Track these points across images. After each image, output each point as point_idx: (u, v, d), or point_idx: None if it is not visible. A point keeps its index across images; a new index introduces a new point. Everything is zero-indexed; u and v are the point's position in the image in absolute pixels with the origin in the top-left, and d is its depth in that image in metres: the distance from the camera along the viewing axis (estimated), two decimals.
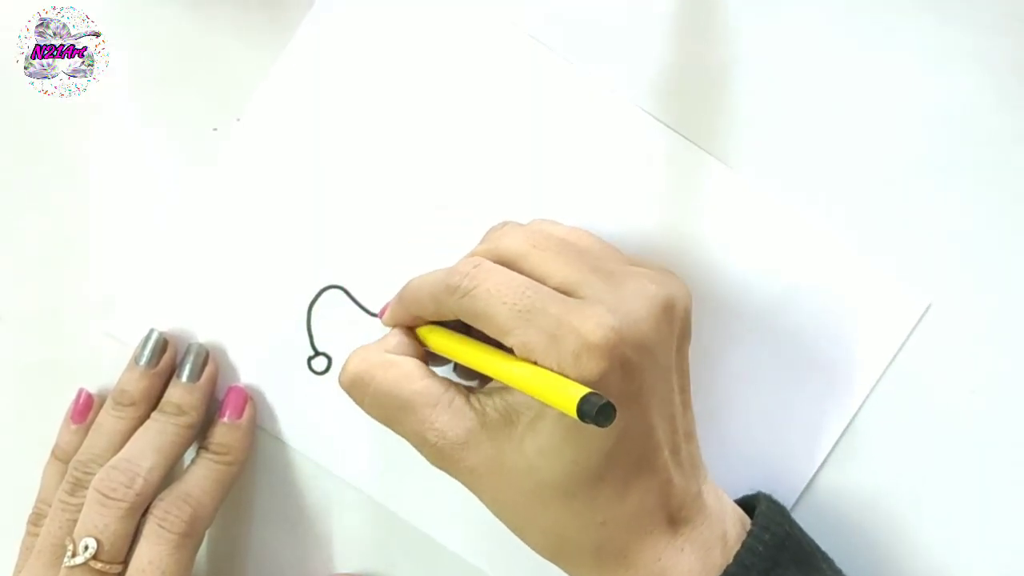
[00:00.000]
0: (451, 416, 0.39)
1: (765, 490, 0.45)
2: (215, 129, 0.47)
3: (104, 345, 0.48)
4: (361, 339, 0.46)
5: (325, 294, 0.47)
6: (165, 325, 0.48)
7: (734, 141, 0.47)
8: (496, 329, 0.38)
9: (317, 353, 0.48)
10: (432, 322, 0.42)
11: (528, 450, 0.38)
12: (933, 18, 0.46)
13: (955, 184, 0.46)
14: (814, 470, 0.47)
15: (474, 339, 0.40)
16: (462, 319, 0.40)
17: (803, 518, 0.45)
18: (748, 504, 0.43)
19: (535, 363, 0.37)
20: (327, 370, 0.48)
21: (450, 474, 0.40)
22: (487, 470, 0.39)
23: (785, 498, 0.47)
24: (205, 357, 0.47)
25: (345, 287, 0.47)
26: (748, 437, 0.47)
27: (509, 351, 0.38)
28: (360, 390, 0.40)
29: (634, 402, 0.38)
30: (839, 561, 0.43)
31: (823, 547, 0.43)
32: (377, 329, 0.46)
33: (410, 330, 0.42)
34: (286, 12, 0.47)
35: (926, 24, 0.46)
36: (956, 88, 0.46)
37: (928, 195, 0.46)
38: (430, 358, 0.42)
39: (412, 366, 0.40)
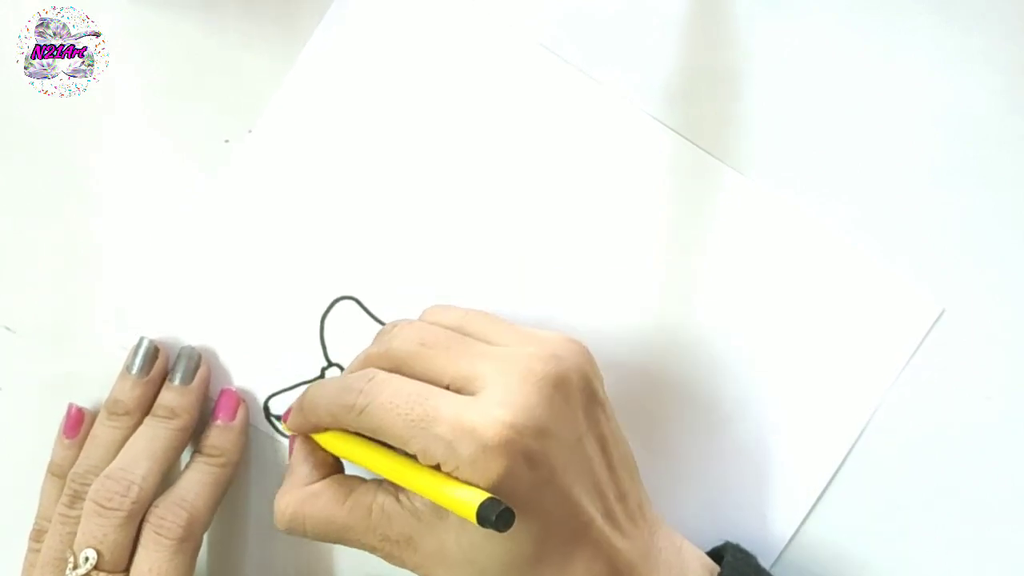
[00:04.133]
0: (387, 521, 0.40)
1: (780, 495, 0.45)
2: (227, 140, 0.47)
3: (118, 357, 0.47)
4: None
5: (337, 305, 0.47)
6: (180, 337, 0.48)
7: (746, 148, 0.47)
8: (396, 440, 0.39)
9: (331, 364, 0.48)
10: None
11: (463, 544, 0.39)
12: (944, 21, 0.46)
13: (968, 188, 0.46)
14: (829, 476, 0.47)
15: (374, 443, 0.40)
16: (363, 433, 0.40)
17: (812, 529, 0.46)
18: (717, 554, 0.44)
19: (438, 467, 0.38)
20: None
21: (405, 568, 0.41)
22: (433, 562, 0.40)
23: (794, 508, 0.47)
24: (197, 360, 0.47)
25: (358, 298, 0.47)
26: (761, 443, 0.47)
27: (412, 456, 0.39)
28: (299, 529, 0.42)
29: (548, 485, 0.38)
30: (856, 570, 0.43)
31: (837, 555, 0.43)
32: None
33: (311, 440, 0.43)
34: (297, 23, 0.47)
35: (937, 27, 0.46)
36: (968, 92, 0.46)
37: (941, 199, 0.47)
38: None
39: (333, 489, 0.41)
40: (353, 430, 0.41)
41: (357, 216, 0.47)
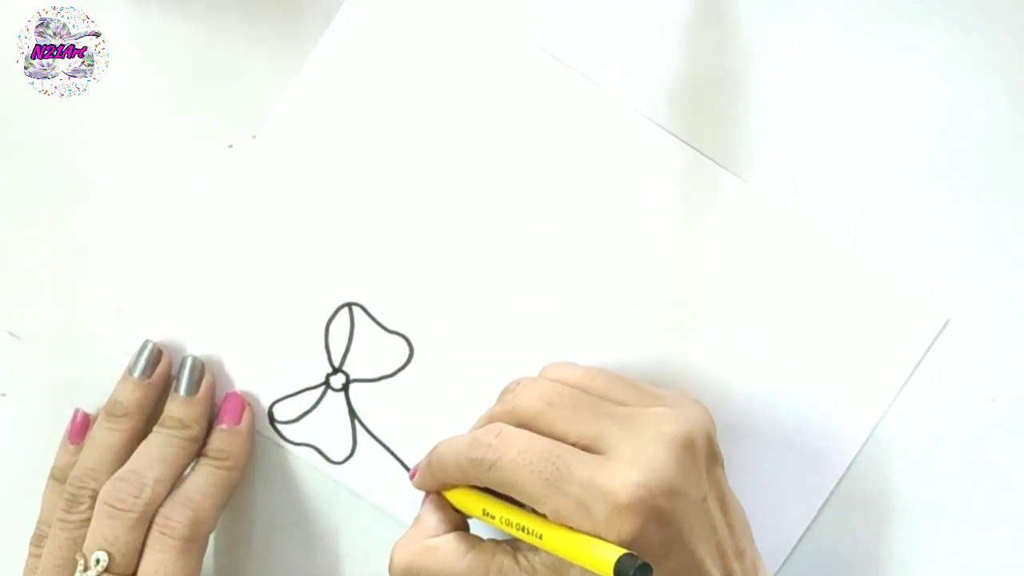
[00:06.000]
0: None
1: (782, 503, 0.45)
2: (230, 146, 0.47)
3: (121, 362, 0.47)
4: (378, 356, 0.47)
5: (342, 311, 0.47)
6: (185, 345, 0.48)
7: (746, 151, 0.46)
8: (527, 498, 0.39)
9: (335, 370, 0.47)
10: None
11: None
12: (946, 24, 0.46)
13: (972, 192, 0.46)
14: (834, 483, 0.47)
15: (504, 500, 0.41)
16: (492, 488, 0.41)
17: (820, 532, 0.46)
18: None
19: (570, 527, 0.38)
20: (345, 387, 0.47)
21: None
22: None
23: (801, 513, 0.47)
24: (201, 370, 0.47)
25: (362, 304, 0.47)
26: (766, 451, 0.47)
27: (542, 514, 0.39)
28: None
29: (676, 545, 0.39)
30: (862, 569, 0.43)
31: (843, 559, 0.44)
32: (394, 349, 0.47)
33: (440, 495, 0.44)
34: (301, 28, 0.47)
35: (938, 28, 0.46)
36: (971, 93, 0.46)
37: (945, 202, 0.46)
38: None
39: (454, 544, 0.42)
40: (482, 485, 0.41)
41: (362, 222, 0.47)
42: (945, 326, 0.47)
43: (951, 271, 0.47)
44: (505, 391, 0.44)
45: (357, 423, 0.48)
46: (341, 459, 0.48)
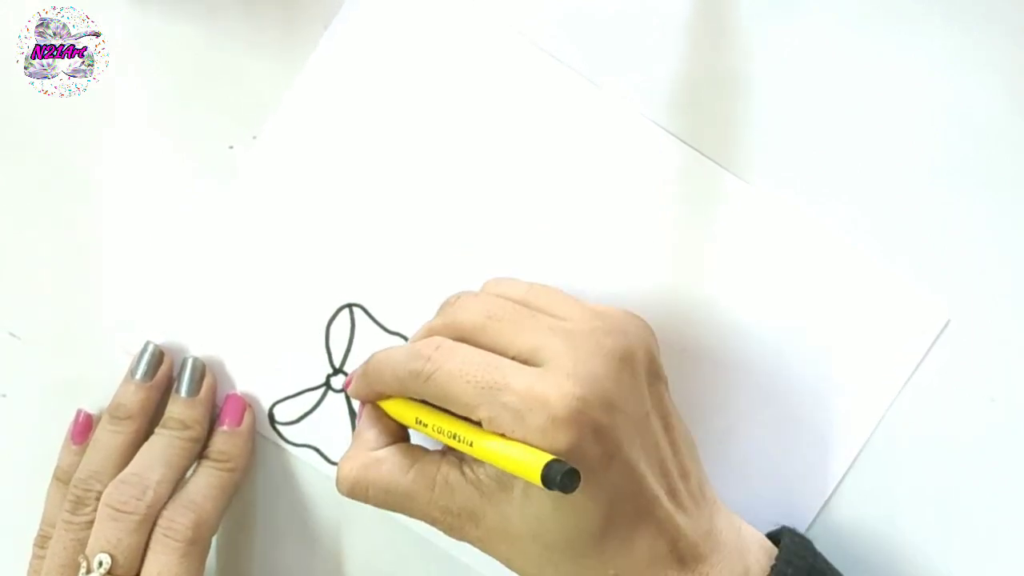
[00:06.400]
0: (449, 493, 0.40)
1: (783, 506, 0.45)
2: (231, 147, 0.47)
3: (122, 363, 0.47)
4: None
5: (342, 312, 0.47)
6: (185, 344, 0.48)
7: (747, 152, 0.46)
8: (462, 407, 0.39)
9: (336, 371, 0.47)
10: None
11: (528, 516, 0.39)
12: (947, 24, 0.46)
13: (972, 192, 0.46)
14: (833, 485, 0.47)
15: (438, 410, 0.41)
16: (428, 400, 0.40)
17: (822, 534, 0.46)
18: (772, 539, 0.44)
19: (503, 436, 0.38)
20: (345, 388, 0.48)
21: (465, 542, 0.41)
22: (495, 537, 0.40)
23: (803, 515, 0.47)
24: (202, 370, 0.47)
25: (363, 305, 0.47)
26: (765, 454, 0.47)
27: (477, 423, 0.39)
28: (361, 495, 0.42)
29: (615, 460, 0.38)
30: (863, 573, 0.44)
31: (843, 559, 0.43)
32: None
33: (377, 407, 0.43)
34: (301, 29, 0.47)
35: (938, 29, 0.46)
36: (971, 95, 0.46)
37: (945, 203, 0.46)
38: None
39: (398, 456, 0.41)
40: (419, 397, 0.41)
41: (362, 223, 0.47)
42: (946, 326, 0.47)
43: (951, 271, 0.47)
44: (446, 304, 0.43)
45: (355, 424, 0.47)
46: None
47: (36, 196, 0.48)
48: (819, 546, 0.43)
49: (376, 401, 0.43)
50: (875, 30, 0.46)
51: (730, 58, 0.46)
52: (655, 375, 0.41)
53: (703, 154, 0.46)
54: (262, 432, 0.48)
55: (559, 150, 0.46)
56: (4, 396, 0.49)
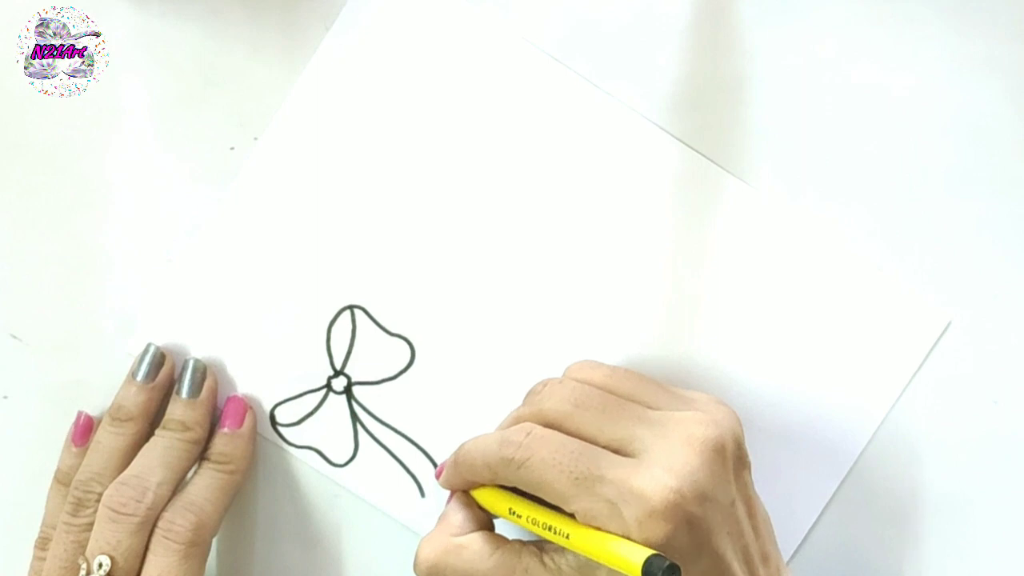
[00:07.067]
0: None
1: (785, 506, 0.45)
2: (232, 148, 0.47)
3: (124, 365, 0.47)
4: (380, 358, 0.47)
5: (344, 313, 0.47)
6: (187, 345, 0.48)
7: (751, 156, 0.46)
8: (556, 497, 0.39)
9: (337, 372, 0.47)
10: None
11: None
12: (949, 28, 0.46)
13: (975, 195, 0.46)
14: (837, 486, 0.47)
15: (530, 500, 0.41)
16: (519, 487, 0.41)
17: (824, 536, 0.46)
18: None
19: (598, 528, 0.38)
20: (347, 389, 0.47)
21: None
22: None
23: (804, 516, 0.47)
24: (203, 372, 0.47)
25: (364, 306, 0.47)
26: (768, 455, 0.47)
27: (569, 514, 0.39)
28: None
29: (704, 549, 0.39)
30: (864, 572, 0.43)
31: (845, 562, 0.44)
32: (396, 352, 0.47)
33: (466, 494, 0.44)
34: (303, 32, 0.47)
35: (943, 34, 0.46)
36: (973, 98, 0.46)
37: (947, 206, 0.46)
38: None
39: (480, 543, 0.41)
40: (510, 484, 0.41)
41: (363, 224, 0.47)
42: (948, 329, 0.47)
43: (954, 274, 0.47)
44: (531, 393, 0.44)
45: (359, 426, 0.48)
46: (343, 462, 0.48)
47: (37, 197, 0.48)
48: (820, 549, 0.43)
49: (467, 490, 0.43)
50: (877, 34, 0.46)
51: (733, 62, 0.46)
52: (741, 462, 0.41)
53: (706, 157, 0.46)
54: (263, 434, 0.48)
55: (562, 153, 0.47)
56: (5, 398, 0.49)
